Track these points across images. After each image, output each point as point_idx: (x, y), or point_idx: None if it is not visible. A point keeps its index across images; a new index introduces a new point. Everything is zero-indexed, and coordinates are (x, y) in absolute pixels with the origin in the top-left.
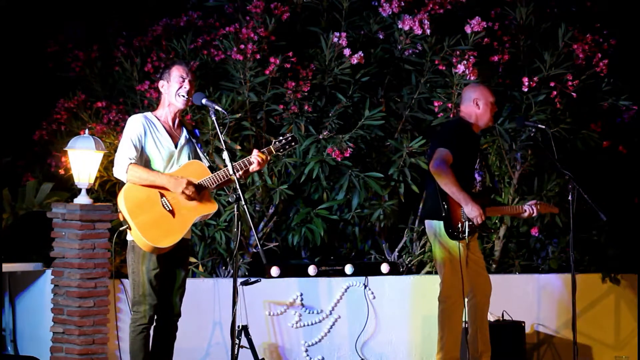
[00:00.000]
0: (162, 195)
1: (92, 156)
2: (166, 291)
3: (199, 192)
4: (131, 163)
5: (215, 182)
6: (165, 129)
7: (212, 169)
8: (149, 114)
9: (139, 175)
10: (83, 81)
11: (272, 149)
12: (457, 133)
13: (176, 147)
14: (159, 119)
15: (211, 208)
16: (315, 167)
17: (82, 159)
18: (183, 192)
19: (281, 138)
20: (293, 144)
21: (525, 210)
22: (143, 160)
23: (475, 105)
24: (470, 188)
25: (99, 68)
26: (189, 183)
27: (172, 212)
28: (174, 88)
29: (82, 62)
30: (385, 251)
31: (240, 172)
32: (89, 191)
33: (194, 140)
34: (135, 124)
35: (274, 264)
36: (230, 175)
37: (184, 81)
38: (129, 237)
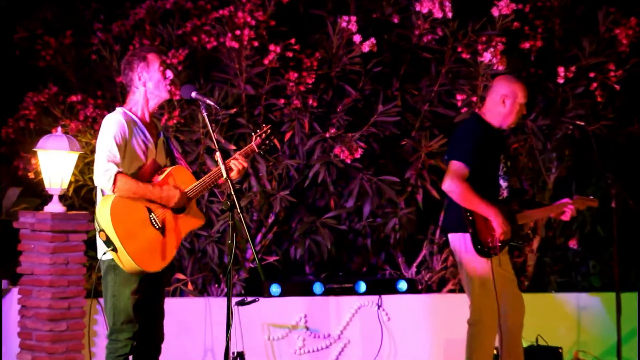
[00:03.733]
0: (150, 211)
1: (66, 157)
2: (149, 315)
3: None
4: (119, 172)
5: (204, 189)
6: (143, 126)
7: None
8: (123, 110)
9: (128, 187)
10: (55, 72)
11: (255, 147)
12: (473, 138)
13: (156, 147)
14: (136, 115)
15: (200, 221)
16: (321, 169)
17: (54, 161)
18: (176, 205)
19: (259, 131)
20: (272, 136)
21: (565, 212)
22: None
23: (501, 103)
24: (495, 196)
25: (73, 57)
26: (182, 195)
27: (161, 230)
28: (157, 79)
29: (53, 50)
30: (401, 266)
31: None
32: (62, 198)
33: (167, 138)
34: (117, 122)
35: (274, 281)
36: (218, 177)
37: (165, 69)
38: (106, 257)
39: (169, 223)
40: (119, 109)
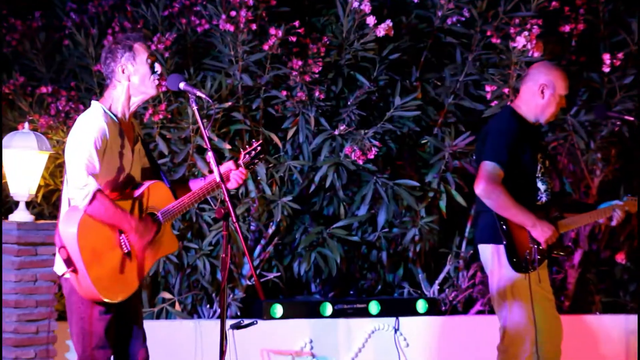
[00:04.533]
0: (120, 232)
1: (34, 158)
2: (124, 337)
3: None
4: (99, 190)
5: (182, 211)
6: (123, 129)
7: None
8: (102, 108)
9: (104, 212)
10: (22, 59)
11: (242, 164)
12: (507, 134)
13: (132, 153)
14: (116, 115)
15: (173, 247)
16: (329, 172)
17: (20, 162)
18: (147, 243)
19: (249, 149)
20: (262, 155)
21: (614, 216)
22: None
23: (539, 93)
24: (533, 201)
25: (42, 42)
26: (157, 234)
27: (129, 254)
28: (144, 73)
29: (20, 34)
30: (421, 284)
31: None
32: (30, 205)
33: (145, 144)
34: (98, 125)
35: (275, 301)
36: (199, 198)
37: (153, 62)
38: (61, 270)
39: (139, 247)
40: (97, 106)
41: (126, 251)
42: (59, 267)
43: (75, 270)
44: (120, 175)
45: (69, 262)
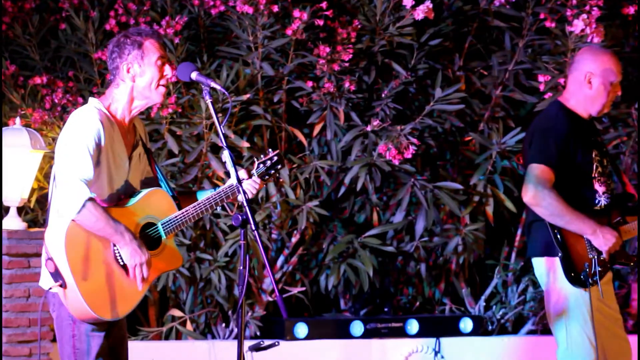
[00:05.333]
0: (114, 243)
1: (27, 157)
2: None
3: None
4: (91, 198)
5: (186, 222)
6: (120, 133)
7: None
8: (99, 107)
9: (95, 220)
10: (13, 45)
11: (255, 174)
12: (557, 132)
13: (130, 160)
14: (114, 117)
15: (176, 262)
16: (360, 173)
17: (11, 162)
18: (134, 267)
19: (264, 158)
20: (279, 167)
21: None
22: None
23: (586, 83)
24: (591, 206)
25: (36, 26)
26: (148, 262)
27: (125, 268)
28: (151, 76)
29: (10, 17)
30: (465, 300)
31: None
32: (22, 210)
33: (147, 147)
34: (93, 126)
35: (300, 319)
36: (208, 208)
37: (164, 65)
38: (47, 284)
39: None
40: (94, 103)
41: (122, 264)
42: (45, 281)
43: (63, 285)
44: (115, 183)
45: (56, 275)
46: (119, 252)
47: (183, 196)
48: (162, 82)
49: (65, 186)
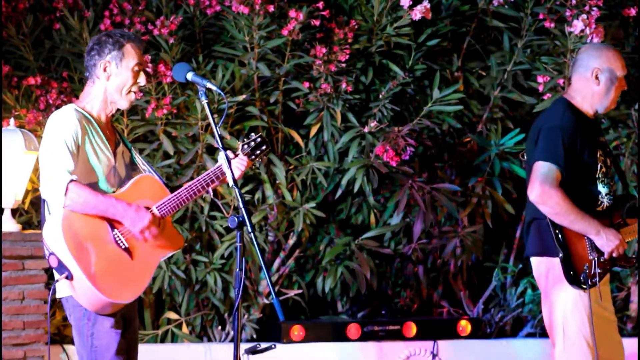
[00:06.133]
0: (112, 227)
1: (21, 159)
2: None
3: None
4: (72, 181)
5: (180, 204)
6: (100, 128)
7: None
8: (76, 106)
9: (84, 199)
10: (6, 45)
11: (241, 153)
12: (564, 130)
13: (115, 156)
14: (91, 114)
15: (177, 243)
16: (358, 175)
17: (5, 164)
18: (141, 232)
19: (245, 140)
20: (264, 147)
21: None
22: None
23: (593, 79)
24: (594, 206)
25: (30, 26)
26: (153, 220)
27: (128, 251)
28: (124, 80)
29: (4, 17)
30: (464, 302)
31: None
32: (16, 212)
33: (130, 148)
34: (69, 120)
35: (296, 322)
36: (200, 189)
37: (139, 72)
38: (62, 293)
39: (139, 244)
40: (69, 106)
41: (123, 247)
42: (64, 289)
43: (69, 276)
44: (100, 176)
45: (60, 267)
46: (118, 237)
47: (175, 187)
48: (134, 88)
49: (47, 177)
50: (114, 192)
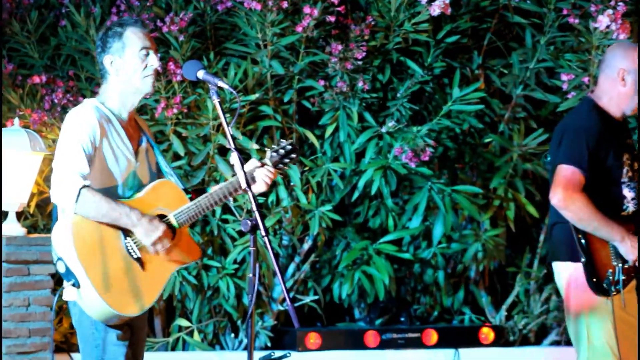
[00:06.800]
0: (125, 235)
1: (26, 160)
2: None
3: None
4: (85, 186)
5: (200, 213)
6: (122, 127)
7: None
8: (97, 102)
9: (95, 207)
10: (10, 43)
11: (269, 163)
12: (588, 132)
13: (136, 157)
14: (112, 113)
15: (193, 255)
16: (375, 176)
17: (9, 165)
18: (153, 245)
19: (275, 147)
20: (294, 155)
21: None
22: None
23: (619, 80)
24: (618, 211)
25: (35, 22)
26: (167, 232)
27: (140, 261)
28: (133, 68)
29: (8, 13)
30: (486, 309)
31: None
32: (21, 215)
33: (154, 146)
34: (87, 119)
35: (312, 329)
36: (222, 198)
37: (147, 53)
38: (69, 297)
39: (151, 254)
40: (89, 101)
41: (135, 257)
42: (68, 293)
43: (77, 284)
44: (119, 179)
45: (68, 274)
46: (130, 246)
47: (194, 191)
48: (147, 72)
49: (59, 180)
50: (130, 196)
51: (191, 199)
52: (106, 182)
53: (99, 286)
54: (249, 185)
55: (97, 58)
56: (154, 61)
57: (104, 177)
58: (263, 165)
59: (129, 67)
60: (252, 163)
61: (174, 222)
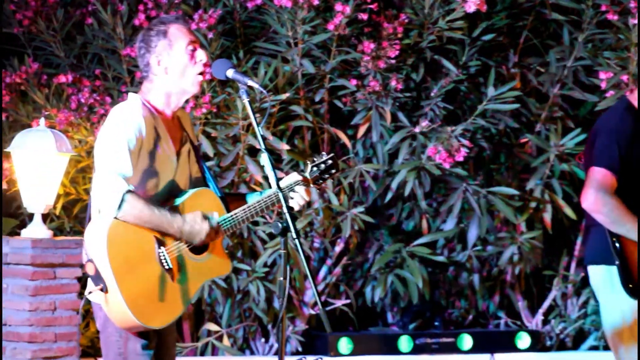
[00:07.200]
0: (159, 244)
1: (52, 161)
2: None
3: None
4: (129, 191)
5: (237, 226)
6: (165, 127)
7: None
8: (141, 100)
9: (138, 213)
10: (36, 41)
11: (309, 178)
12: (622, 134)
13: (178, 156)
14: (157, 110)
15: (224, 268)
16: (408, 178)
17: (35, 166)
18: (200, 243)
19: (317, 160)
20: (333, 171)
21: None
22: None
23: None
24: None
25: (60, 21)
26: (212, 231)
27: (171, 272)
28: (183, 66)
29: (33, 11)
30: (522, 313)
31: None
32: (47, 217)
33: (194, 144)
34: (133, 120)
35: (344, 334)
36: (258, 211)
37: (195, 50)
38: (96, 299)
39: (184, 265)
40: (135, 97)
41: (167, 267)
42: (88, 288)
43: (104, 289)
44: (160, 182)
45: (97, 278)
46: (163, 256)
47: (231, 198)
48: (197, 68)
49: (102, 182)
50: (168, 200)
51: (227, 209)
52: (146, 183)
53: (127, 295)
54: (279, 186)
55: (139, 60)
56: (202, 55)
57: (147, 180)
58: (305, 180)
59: (178, 64)
60: (293, 177)
61: (214, 224)
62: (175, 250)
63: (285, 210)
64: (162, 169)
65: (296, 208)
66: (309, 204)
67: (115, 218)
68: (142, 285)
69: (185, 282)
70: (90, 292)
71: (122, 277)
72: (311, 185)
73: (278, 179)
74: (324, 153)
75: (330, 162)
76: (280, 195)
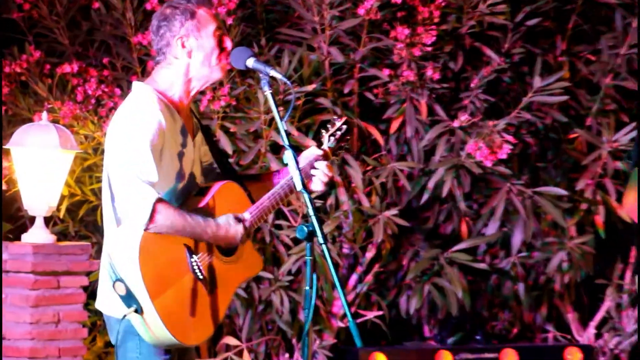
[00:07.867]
0: (190, 253)
1: (55, 159)
2: None
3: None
4: (159, 199)
5: (263, 217)
6: (182, 120)
7: None
8: (156, 92)
9: (170, 222)
10: (38, 28)
11: (328, 151)
12: None
13: (194, 148)
14: (172, 102)
15: (256, 267)
16: (446, 177)
17: (36, 164)
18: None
19: (332, 128)
20: (347, 137)
21: None
22: None
23: None
24: None
25: (65, 5)
26: (245, 232)
27: (205, 282)
28: (210, 50)
29: None
30: (572, 326)
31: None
32: (50, 221)
33: (206, 130)
34: (153, 113)
35: (376, 349)
36: (284, 196)
37: (221, 36)
38: (110, 311)
39: (217, 272)
40: (148, 90)
41: (201, 277)
42: (110, 303)
43: (139, 310)
44: (181, 180)
45: (129, 298)
46: (197, 265)
47: (249, 182)
48: (224, 56)
49: (128, 192)
50: (190, 197)
51: (250, 197)
52: (167, 183)
53: (163, 314)
54: (305, 187)
55: (155, 40)
56: (229, 43)
57: (166, 177)
58: (324, 152)
59: (205, 48)
60: (312, 151)
61: (247, 221)
62: (207, 258)
63: (311, 213)
64: (182, 165)
65: (320, 188)
66: (337, 206)
67: (146, 231)
68: (178, 301)
69: (220, 290)
70: (124, 316)
71: (158, 296)
72: (331, 158)
73: (303, 180)
74: (334, 117)
75: (344, 127)
76: (306, 196)
